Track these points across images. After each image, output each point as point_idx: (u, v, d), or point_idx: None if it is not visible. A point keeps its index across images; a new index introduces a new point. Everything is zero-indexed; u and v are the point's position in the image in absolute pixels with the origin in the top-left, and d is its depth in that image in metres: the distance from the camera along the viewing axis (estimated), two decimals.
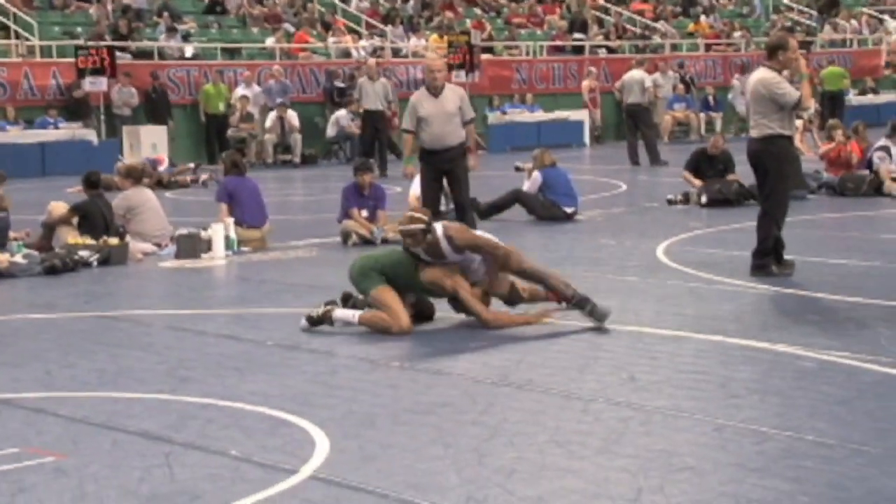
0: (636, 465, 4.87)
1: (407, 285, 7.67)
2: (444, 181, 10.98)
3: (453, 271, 7.66)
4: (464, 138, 10.77)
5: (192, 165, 19.98)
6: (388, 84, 21.11)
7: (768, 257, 9.40)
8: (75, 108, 22.03)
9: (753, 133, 9.45)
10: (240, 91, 23.11)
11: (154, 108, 22.47)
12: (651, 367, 6.56)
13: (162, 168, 19.15)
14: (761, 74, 9.42)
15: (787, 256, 9.53)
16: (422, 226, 7.55)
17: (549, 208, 13.46)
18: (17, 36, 22.95)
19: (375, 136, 20.37)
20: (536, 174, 13.60)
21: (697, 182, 14.75)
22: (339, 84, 24.06)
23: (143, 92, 22.63)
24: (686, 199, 14.61)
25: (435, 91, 10.73)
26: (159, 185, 18.05)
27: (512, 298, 7.89)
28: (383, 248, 8.07)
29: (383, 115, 20.64)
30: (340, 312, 7.62)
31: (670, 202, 14.58)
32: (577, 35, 28.91)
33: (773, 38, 9.99)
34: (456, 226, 7.87)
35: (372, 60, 22.48)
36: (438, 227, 7.65)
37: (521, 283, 7.91)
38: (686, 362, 6.69)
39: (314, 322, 7.63)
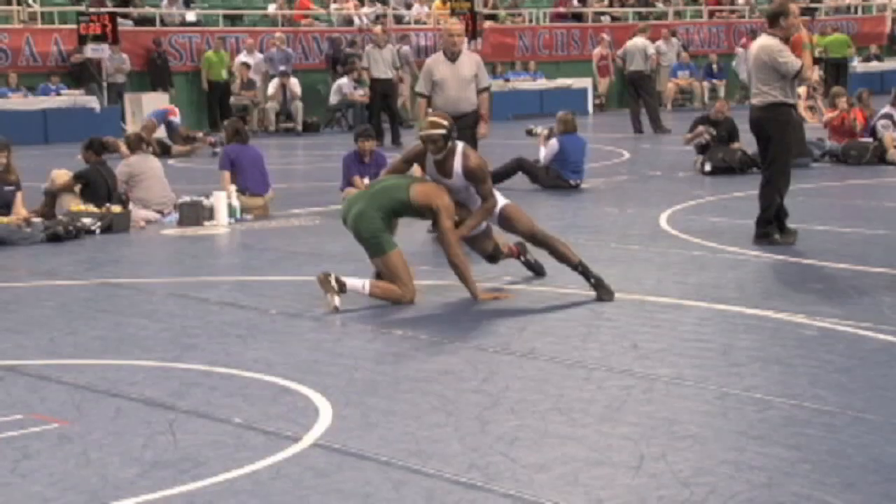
0: (638, 432, 4.89)
1: (399, 210, 7.59)
2: None
3: (444, 192, 7.57)
4: (476, 106, 10.69)
5: (201, 134, 19.82)
6: (395, 51, 20.72)
7: (771, 225, 9.39)
8: (77, 75, 21.97)
9: (755, 101, 9.41)
10: (241, 58, 23.03)
11: (157, 74, 22.39)
12: (653, 336, 6.57)
13: (174, 118, 18.90)
14: (763, 41, 9.38)
15: (789, 225, 9.52)
16: (443, 131, 7.50)
17: (553, 178, 13.39)
18: (19, 2, 22.85)
19: (385, 105, 20.01)
20: (553, 142, 13.34)
21: (700, 132, 14.58)
22: (349, 50, 23.91)
23: (144, 59, 22.55)
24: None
25: (452, 56, 10.61)
26: (185, 140, 18.12)
27: (494, 255, 7.92)
28: (373, 187, 7.92)
29: (392, 82, 20.31)
30: (351, 282, 7.49)
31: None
32: (577, 2, 28.76)
33: (773, 5, 9.91)
34: (475, 152, 7.82)
35: (379, 27, 22.13)
36: (459, 144, 7.63)
37: (500, 241, 7.96)
38: (688, 331, 6.70)
39: (342, 288, 7.40)
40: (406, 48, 21.99)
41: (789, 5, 9.63)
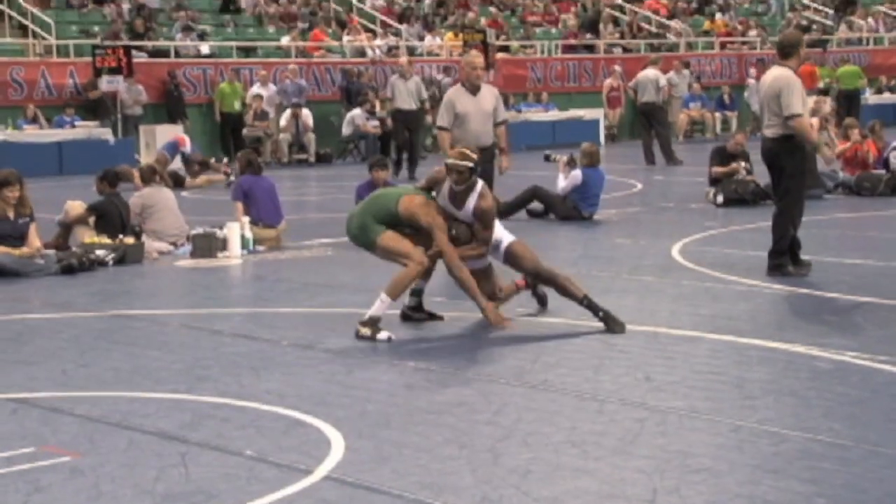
0: (652, 465, 4.86)
1: (388, 219, 7.61)
2: None
3: (438, 213, 7.58)
4: (495, 139, 10.67)
5: (213, 160, 19.80)
6: (421, 82, 20.36)
7: (784, 257, 9.36)
8: (92, 107, 22.11)
9: (767, 132, 9.40)
10: (255, 90, 23.14)
11: (172, 106, 22.52)
12: (666, 368, 6.55)
13: (185, 149, 18.93)
14: (777, 73, 9.36)
15: (803, 256, 9.49)
16: (471, 164, 7.53)
17: (569, 209, 13.37)
18: (35, 35, 23.04)
19: (409, 137, 19.60)
20: (577, 173, 13.28)
21: (733, 167, 14.50)
22: (359, 81, 24.00)
23: (160, 91, 22.68)
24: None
25: (473, 89, 10.60)
26: (200, 165, 18.17)
27: (494, 297, 7.92)
28: (368, 198, 7.98)
29: (416, 114, 19.85)
30: (374, 310, 7.43)
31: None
32: (588, 36, 28.87)
33: (786, 37, 9.89)
34: (491, 194, 7.83)
35: (404, 58, 21.82)
36: (479, 182, 7.66)
37: (500, 284, 7.95)
38: (701, 362, 6.67)
39: (376, 324, 7.42)
40: (419, 79, 21.67)
41: (802, 37, 9.64)
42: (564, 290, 7.71)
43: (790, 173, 9.28)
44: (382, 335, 7.35)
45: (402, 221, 7.62)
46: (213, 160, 19.73)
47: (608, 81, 27.12)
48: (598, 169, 13.49)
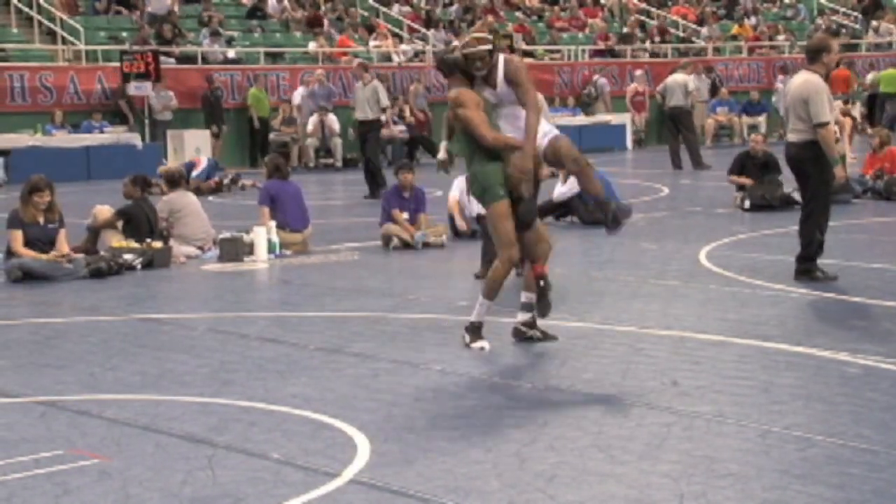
0: (678, 470, 4.84)
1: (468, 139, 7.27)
2: None
3: (477, 108, 7.27)
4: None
5: (230, 175, 19.71)
6: (379, 88, 17.39)
7: (812, 262, 9.30)
8: (121, 113, 22.25)
9: (793, 138, 9.32)
10: (300, 93, 23.07)
11: (210, 112, 22.61)
12: (693, 372, 6.52)
13: (196, 173, 19.04)
14: (805, 77, 9.29)
15: (822, 262, 9.37)
16: (489, 46, 7.33)
17: (592, 212, 13.38)
18: (64, 41, 23.21)
19: (362, 150, 17.52)
20: (574, 180, 13.46)
21: (746, 181, 14.56)
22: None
23: (188, 96, 22.79)
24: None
25: None
26: (196, 191, 18.14)
27: (522, 264, 7.57)
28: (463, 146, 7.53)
29: (370, 124, 17.25)
30: (476, 315, 7.27)
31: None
32: (616, 39, 28.83)
33: (814, 41, 9.80)
34: (515, 56, 7.61)
35: (357, 61, 19.40)
36: (500, 55, 7.44)
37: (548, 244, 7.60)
38: (729, 367, 6.64)
39: (477, 330, 7.26)
40: (379, 84, 17.83)
41: (830, 41, 9.56)
42: (587, 184, 7.48)
43: (817, 178, 9.22)
44: (476, 345, 7.18)
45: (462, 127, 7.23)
46: (215, 181, 19.35)
47: (632, 86, 27.07)
48: (597, 171, 13.54)
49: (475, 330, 7.27)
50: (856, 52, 30.45)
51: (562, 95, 26.98)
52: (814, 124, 9.04)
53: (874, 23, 32.83)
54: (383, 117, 17.83)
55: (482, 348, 7.17)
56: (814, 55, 9.32)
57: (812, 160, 9.16)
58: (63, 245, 10.73)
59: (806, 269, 9.29)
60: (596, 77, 27.01)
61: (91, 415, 5.94)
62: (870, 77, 28.08)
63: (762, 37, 31.31)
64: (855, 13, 34.13)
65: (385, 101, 17.43)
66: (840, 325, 7.82)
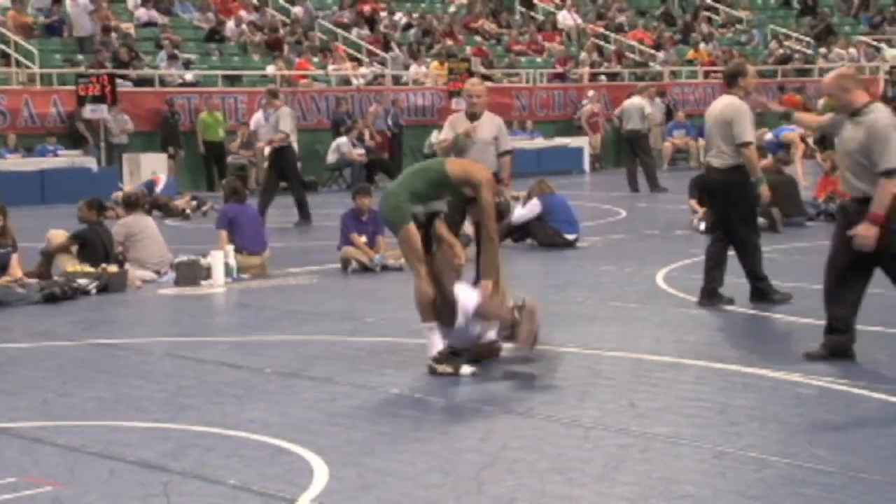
0: (636, 492, 4.85)
1: (434, 186, 7.36)
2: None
3: (484, 168, 7.64)
4: (496, 169, 10.61)
5: (191, 199, 19.61)
6: (283, 114, 16.53)
7: (765, 282, 9.37)
8: (75, 136, 22.08)
9: (715, 163, 9.28)
10: (258, 117, 22.95)
11: (168, 135, 22.51)
12: (651, 394, 6.54)
13: (159, 189, 18.96)
14: (727, 101, 9.37)
15: (773, 285, 9.43)
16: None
17: (550, 235, 13.47)
18: (18, 64, 23.03)
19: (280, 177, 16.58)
20: (535, 201, 13.59)
21: (700, 209, 14.73)
22: (346, 113, 24.03)
23: (146, 119, 22.67)
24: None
25: (473, 117, 10.57)
26: (157, 208, 18.01)
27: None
28: (405, 171, 7.74)
29: (279, 151, 16.46)
30: (431, 342, 7.21)
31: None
32: (572, 66, 29.05)
33: (731, 66, 9.94)
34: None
35: (267, 87, 18.94)
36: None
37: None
38: (686, 389, 6.67)
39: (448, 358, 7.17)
40: (289, 111, 17.26)
41: (746, 66, 9.73)
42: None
43: (743, 203, 9.22)
44: (465, 371, 7.08)
45: (454, 183, 7.34)
46: (173, 200, 19.24)
47: (587, 107, 27.26)
48: (556, 194, 13.75)
49: (448, 358, 7.17)
50: (808, 78, 30.83)
51: (520, 119, 27.09)
52: (737, 144, 9.11)
53: (822, 49, 33.29)
54: (277, 139, 16.61)
55: (473, 373, 7.06)
56: (731, 79, 9.45)
57: (737, 185, 9.19)
58: (16, 269, 10.62)
59: (760, 290, 9.35)
60: (585, 102, 27.15)
61: (44, 442, 5.87)
62: (821, 102, 28.45)
63: (717, 61, 31.64)
64: (808, 39, 34.60)
65: (284, 127, 16.41)
66: (795, 347, 7.88)
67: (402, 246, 7.49)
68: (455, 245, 7.50)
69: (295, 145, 17.45)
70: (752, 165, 9.20)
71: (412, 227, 7.32)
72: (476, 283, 7.53)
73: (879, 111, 7.20)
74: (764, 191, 9.29)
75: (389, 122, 24.18)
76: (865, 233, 7.00)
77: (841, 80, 7.35)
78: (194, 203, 19.08)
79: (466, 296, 7.26)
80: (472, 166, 7.64)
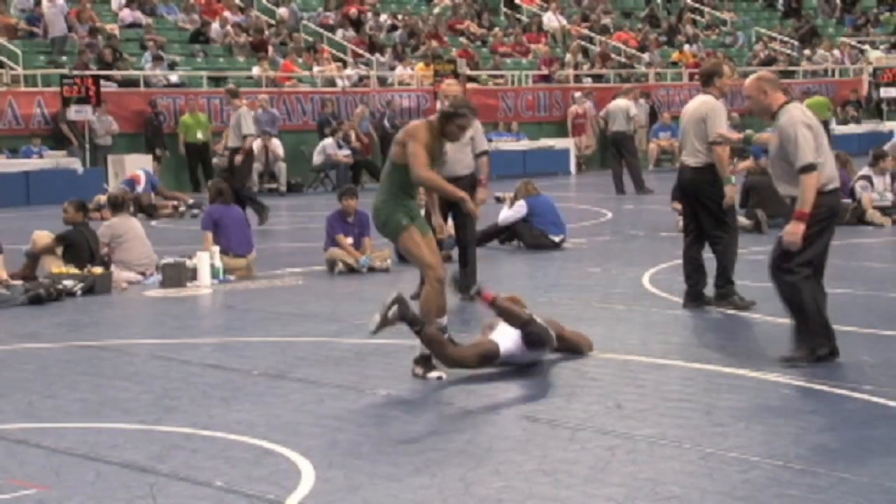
0: (623, 493, 4.86)
1: (396, 179, 7.30)
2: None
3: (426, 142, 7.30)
4: (473, 169, 10.63)
5: (178, 199, 19.57)
6: (244, 114, 16.30)
7: (731, 284, 9.35)
8: (60, 137, 22.01)
9: (690, 161, 9.29)
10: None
11: (153, 136, 22.45)
12: (637, 395, 6.56)
13: (140, 188, 18.88)
14: (703, 99, 9.38)
15: (760, 285, 9.45)
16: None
17: (537, 237, 13.49)
18: (2, 65, 22.94)
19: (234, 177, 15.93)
20: (521, 202, 13.61)
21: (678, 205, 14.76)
22: (331, 115, 24.02)
23: (131, 121, 22.61)
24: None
25: None
26: (140, 210, 17.95)
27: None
28: (382, 180, 7.61)
29: (237, 151, 16.16)
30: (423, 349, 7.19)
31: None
32: (559, 65, 29.09)
33: (706, 66, 9.95)
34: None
35: (227, 87, 18.51)
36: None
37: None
38: (672, 390, 6.69)
39: (427, 361, 7.14)
40: (247, 111, 16.86)
41: (722, 66, 9.73)
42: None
43: (717, 202, 9.24)
44: (432, 375, 7.09)
45: (402, 165, 7.21)
46: (153, 197, 19.15)
47: (573, 109, 27.31)
48: (542, 195, 13.77)
49: (425, 361, 7.20)
50: (792, 80, 30.93)
51: (505, 120, 27.11)
52: (709, 142, 9.13)
53: (807, 51, 33.40)
54: (248, 144, 16.41)
55: (439, 377, 7.11)
56: (707, 79, 9.46)
57: (710, 183, 9.20)
58: (1, 271, 10.58)
59: (724, 293, 9.33)
60: (584, 101, 27.21)
61: (29, 444, 5.84)
62: (804, 104, 28.54)
63: (702, 63, 31.72)
64: (792, 41, 34.72)
65: (246, 129, 16.15)
66: (780, 348, 7.90)
67: (406, 254, 7.49)
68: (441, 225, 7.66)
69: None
70: (720, 164, 9.22)
71: (410, 230, 7.26)
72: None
73: (790, 111, 7.21)
74: (728, 191, 9.27)
75: (386, 124, 24.14)
76: (793, 230, 7.06)
77: (759, 83, 7.38)
78: (184, 204, 19.07)
79: (507, 337, 7.25)
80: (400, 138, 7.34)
